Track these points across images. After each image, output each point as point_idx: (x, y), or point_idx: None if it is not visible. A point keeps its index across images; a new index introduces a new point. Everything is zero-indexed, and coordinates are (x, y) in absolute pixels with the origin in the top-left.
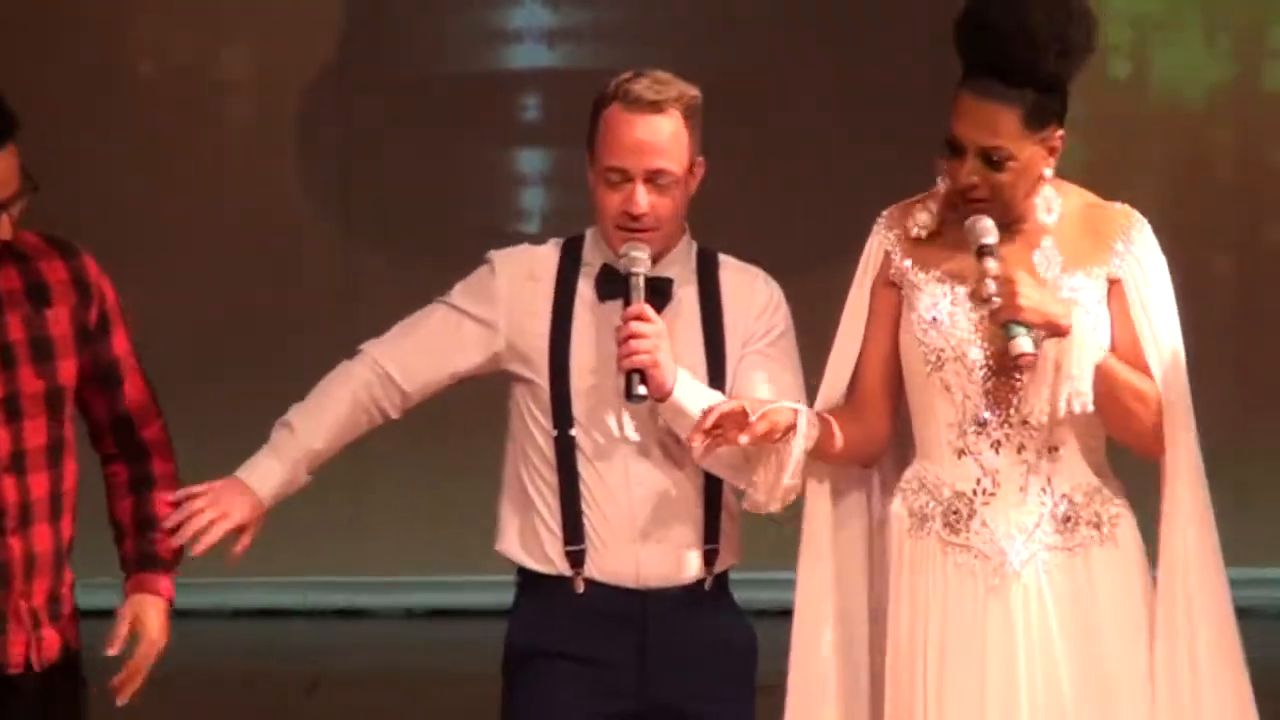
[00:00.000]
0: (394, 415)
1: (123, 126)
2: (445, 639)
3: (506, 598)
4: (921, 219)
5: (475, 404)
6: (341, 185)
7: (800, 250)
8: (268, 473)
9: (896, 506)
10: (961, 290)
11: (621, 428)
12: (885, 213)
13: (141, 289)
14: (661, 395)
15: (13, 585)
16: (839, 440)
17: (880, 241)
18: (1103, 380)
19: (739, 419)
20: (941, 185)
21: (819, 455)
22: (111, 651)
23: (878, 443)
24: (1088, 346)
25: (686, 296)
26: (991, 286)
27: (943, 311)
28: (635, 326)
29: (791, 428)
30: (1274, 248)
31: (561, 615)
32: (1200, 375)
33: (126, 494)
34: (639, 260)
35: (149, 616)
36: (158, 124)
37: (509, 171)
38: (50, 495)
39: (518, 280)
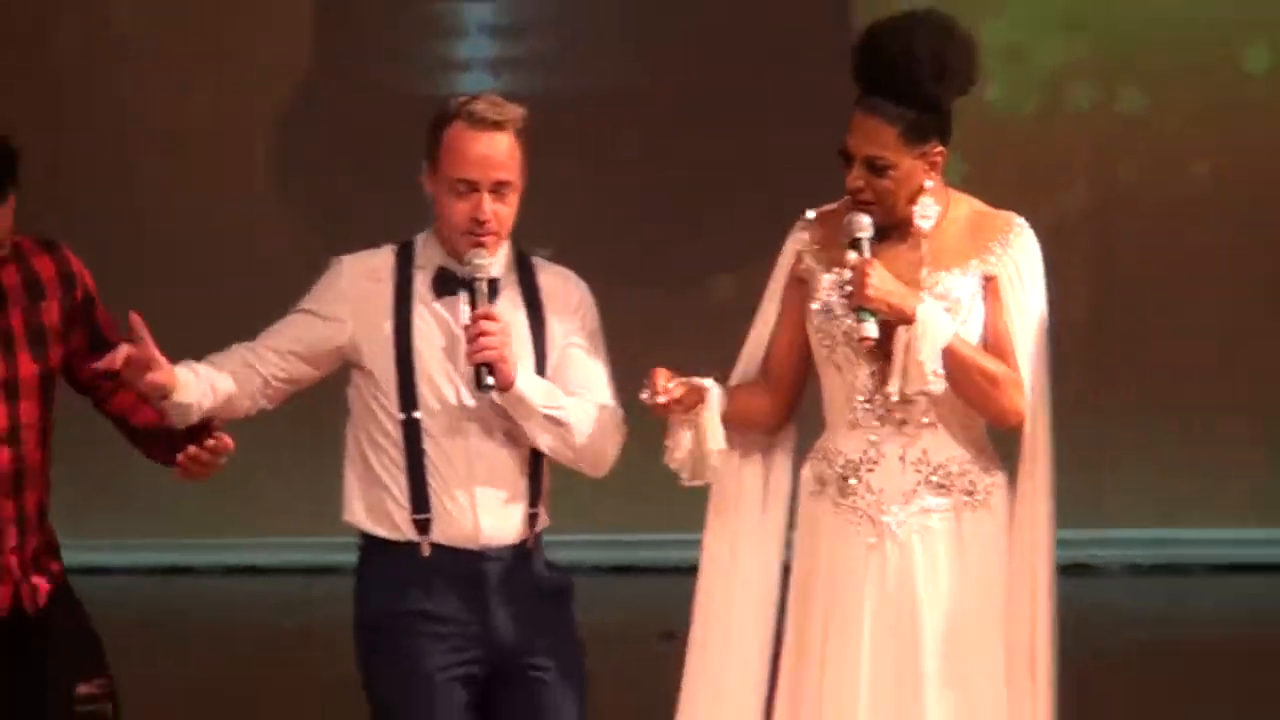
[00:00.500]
0: (261, 400)
1: (111, 139)
2: None
3: None
4: (852, 224)
5: None
6: (314, 204)
7: (696, 254)
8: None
9: (806, 471)
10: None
11: (462, 411)
12: (802, 217)
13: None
14: (506, 386)
15: (5, 542)
16: (742, 406)
17: (794, 243)
18: (953, 362)
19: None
20: None
21: (725, 420)
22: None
23: (781, 415)
24: (931, 334)
25: (510, 294)
26: (847, 275)
27: (835, 301)
28: (484, 325)
29: (700, 399)
30: (1126, 259)
31: (411, 578)
32: (1061, 365)
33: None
34: (482, 266)
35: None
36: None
37: None
38: (41, 464)
39: (360, 280)
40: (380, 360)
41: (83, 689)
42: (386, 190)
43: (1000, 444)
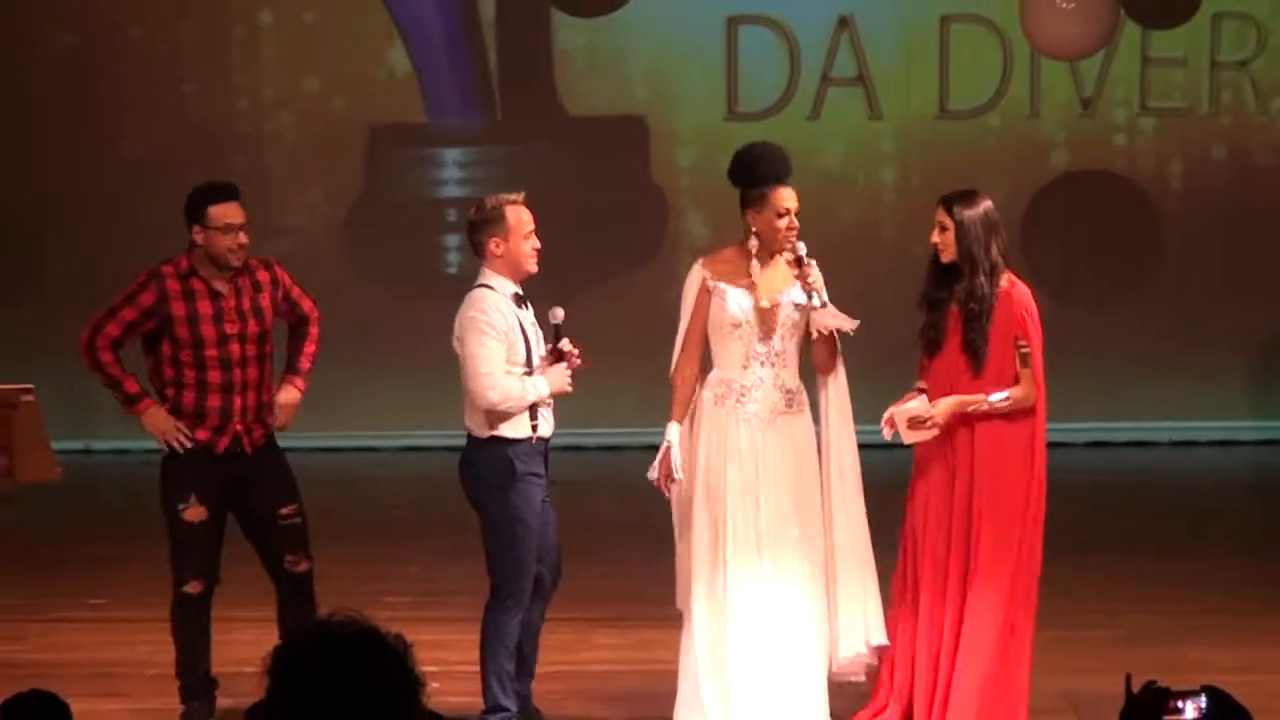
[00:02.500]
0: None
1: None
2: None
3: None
4: (754, 266)
5: (401, 345)
6: (363, 253)
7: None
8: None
9: (705, 393)
10: (748, 295)
11: (540, 365)
12: (699, 260)
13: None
14: None
15: (236, 417)
16: (689, 395)
17: (698, 275)
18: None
19: None
20: (752, 242)
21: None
22: (279, 422)
23: (699, 372)
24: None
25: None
26: (815, 277)
27: (743, 302)
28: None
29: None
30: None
31: (528, 455)
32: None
33: (295, 340)
34: (560, 314)
35: (288, 396)
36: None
37: (441, 240)
38: (258, 377)
39: (502, 307)
40: (517, 345)
41: (284, 510)
42: (408, 244)
43: None
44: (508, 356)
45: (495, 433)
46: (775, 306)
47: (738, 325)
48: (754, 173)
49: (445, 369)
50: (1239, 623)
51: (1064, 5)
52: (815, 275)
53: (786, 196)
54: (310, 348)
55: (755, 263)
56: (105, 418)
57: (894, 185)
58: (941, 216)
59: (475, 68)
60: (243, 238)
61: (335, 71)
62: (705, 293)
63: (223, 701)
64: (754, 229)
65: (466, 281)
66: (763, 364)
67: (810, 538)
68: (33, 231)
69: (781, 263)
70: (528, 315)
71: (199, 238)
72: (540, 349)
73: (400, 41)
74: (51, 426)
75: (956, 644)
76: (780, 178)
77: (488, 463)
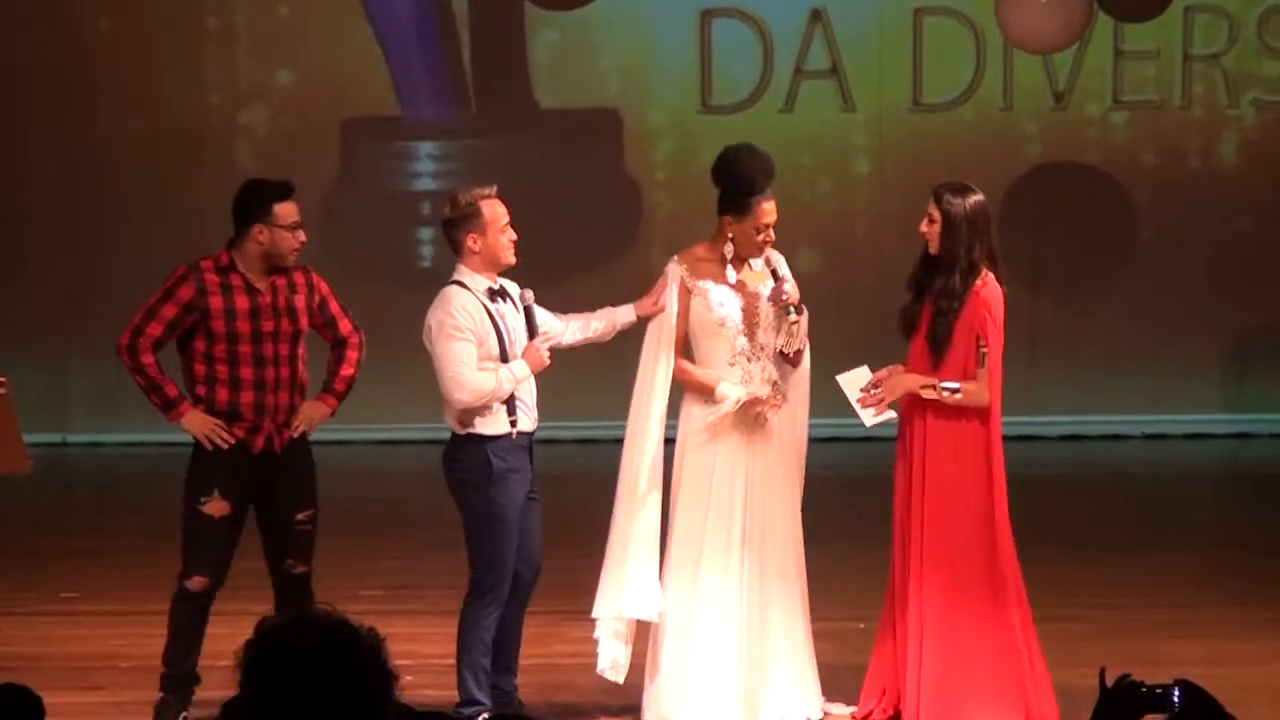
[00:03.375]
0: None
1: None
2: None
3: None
4: (729, 271)
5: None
6: (336, 247)
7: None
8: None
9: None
10: (730, 292)
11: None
12: (675, 257)
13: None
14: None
15: (269, 415)
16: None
17: (674, 274)
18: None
19: None
20: (728, 247)
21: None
22: (296, 426)
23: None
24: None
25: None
26: (792, 290)
27: (727, 301)
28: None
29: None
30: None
31: (508, 451)
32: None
33: (333, 361)
34: (530, 295)
35: (314, 409)
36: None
37: (415, 233)
38: (290, 376)
39: (471, 305)
40: (489, 341)
41: (300, 516)
42: (382, 233)
43: None
44: (481, 353)
45: (472, 430)
46: (757, 297)
47: (722, 324)
48: (743, 180)
49: (419, 363)
50: (1211, 615)
51: None
52: (791, 289)
53: (770, 211)
54: (347, 371)
55: (730, 269)
56: (80, 411)
57: (867, 178)
58: (931, 208)
59: (449, 61)
60: (303, 236)
61: (308, 64)
62: (685, 292)
63: (197, 694)
64: (730, 235)
65: (440, 274)
66: (749, 359)
67: (788, 531)
68: (9, 225)
69: (752, 264)
70: (507, 308)
71: (262, 236)
72: (510, 344)
73: (373, 34)
74: (26, 419)
75: (907, 639)
76: (766, 189)
77: (467, 460)
